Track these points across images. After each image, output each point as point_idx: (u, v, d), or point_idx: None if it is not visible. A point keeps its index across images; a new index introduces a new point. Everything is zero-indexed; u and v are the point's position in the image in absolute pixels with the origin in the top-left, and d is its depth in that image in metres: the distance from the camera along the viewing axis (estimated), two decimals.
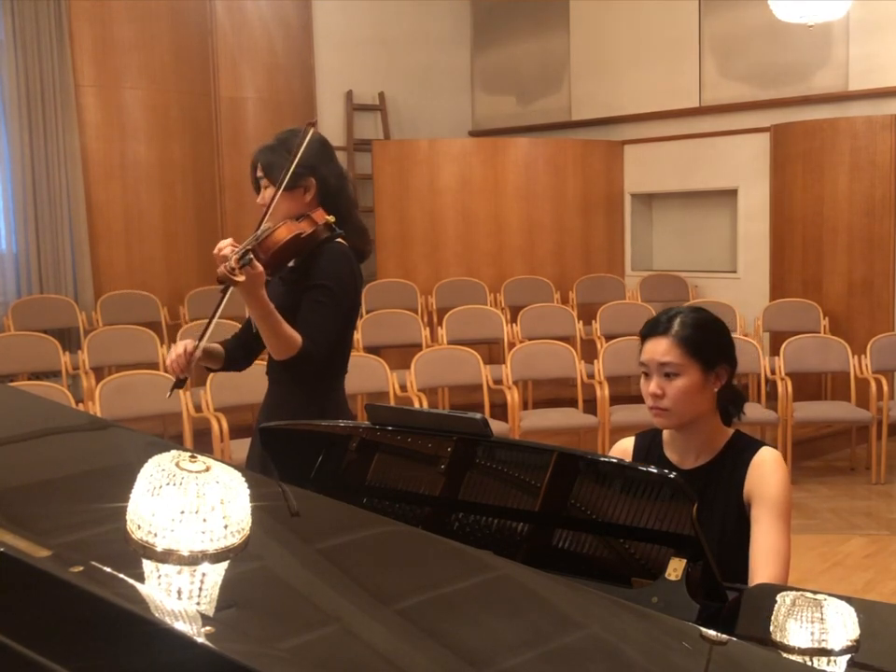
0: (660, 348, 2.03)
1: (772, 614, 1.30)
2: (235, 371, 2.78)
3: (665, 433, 2.14)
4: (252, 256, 2.35)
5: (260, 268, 2.36)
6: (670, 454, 2.12)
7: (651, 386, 2.03)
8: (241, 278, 2.32)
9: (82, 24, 6.88)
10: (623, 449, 2.19)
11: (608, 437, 5.52)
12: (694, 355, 2.02)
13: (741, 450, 2.06)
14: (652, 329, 2.07)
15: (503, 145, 8.12)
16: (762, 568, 1.90)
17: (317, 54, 8.28)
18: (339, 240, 2.56)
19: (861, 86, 7.04)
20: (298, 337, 2.46)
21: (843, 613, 1.29)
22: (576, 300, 7.84)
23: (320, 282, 2.50)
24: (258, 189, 2.61)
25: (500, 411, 5.69)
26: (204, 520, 1.00)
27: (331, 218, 2.52)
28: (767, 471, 2.00)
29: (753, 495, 1.99)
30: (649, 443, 2.16)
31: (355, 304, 2.63)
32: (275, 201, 2.49)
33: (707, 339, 2.05)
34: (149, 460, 1.05)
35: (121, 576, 0.98)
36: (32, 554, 1.02)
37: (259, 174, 2.57)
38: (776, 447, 6.31)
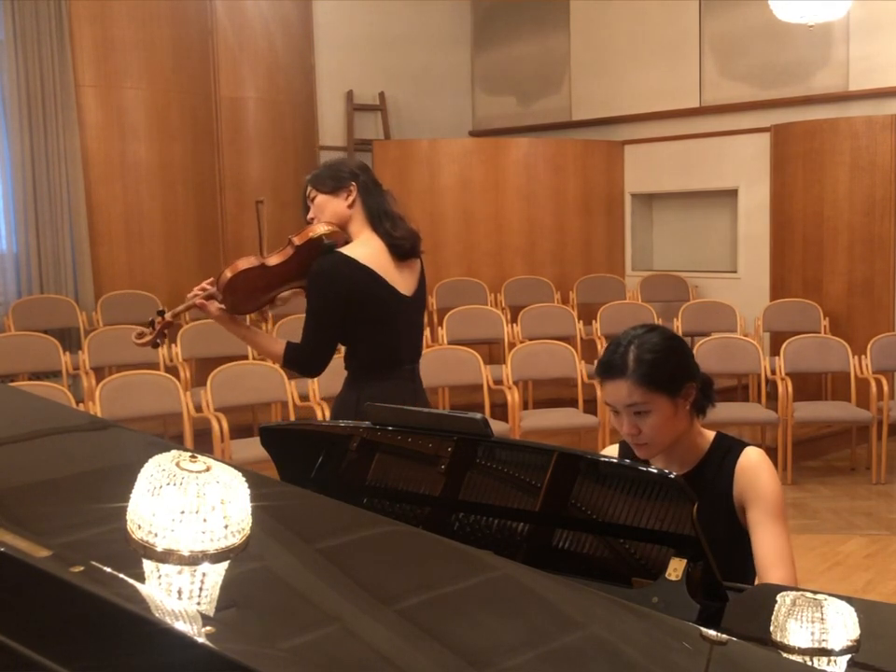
0: (622, 392, 1.96)
1: (772, 614, 1.30)
2: None
3: None
4: (158, 318, 2.82)
5: (215, 307, 2.76)
6: (655, 462, 2.09)
7: (625, 427, 1.99)
8: (140, 341, 2.84)
9: (82, 24, 6.87)
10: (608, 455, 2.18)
11: (608, 437, 5.52)
12: (658, 389, 1.96)
13: (724, 453, 2.04)
14: (607, 370, 1.99)
15: (503, 145, 8.12)
16: (773, 573, 1.90)
17: (318, 54, 8.28)
18: (340, 250, 2.79)
19: (862, 86, 7.04)
20: (278, 349, 2.81)
21: (843, 613, 1.29)
22: (576, 300, 7.83)
23: (307, 296, 2.82)
24: (306, 212, 2.90)
25: (501, 411, 5.69)
26: (205, 520, 1.00)
27: (324, 230, 2.78)
28: (755, 474, 1.98)
29: (745, 499, 1.98)
30: (633, 449, 2.16)
31: (354, 308, 2.78)
32: (323, 206, 2.83)
33: (666, 368, 1.98)
34: (150, 460, 1.05)
35: (122, 576, 0.98)
36: (32, 554, 1.02)
37: (309, 192, 2.87)
38: (775, 447, 6.27)
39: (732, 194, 7.90)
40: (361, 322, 2.79)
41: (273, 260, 2.76)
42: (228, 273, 2.74)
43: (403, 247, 2.84)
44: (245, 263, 2.76)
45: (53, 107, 6.71)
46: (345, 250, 2.78)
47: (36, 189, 6.71)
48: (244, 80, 7.77)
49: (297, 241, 2.77)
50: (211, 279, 2.81)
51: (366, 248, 2.80)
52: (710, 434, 2.09)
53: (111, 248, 7.08)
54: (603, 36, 8.51)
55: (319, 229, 2.79)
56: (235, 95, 7.73)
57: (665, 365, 1.97)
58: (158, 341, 2.85)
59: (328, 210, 2.82)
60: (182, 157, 7.34)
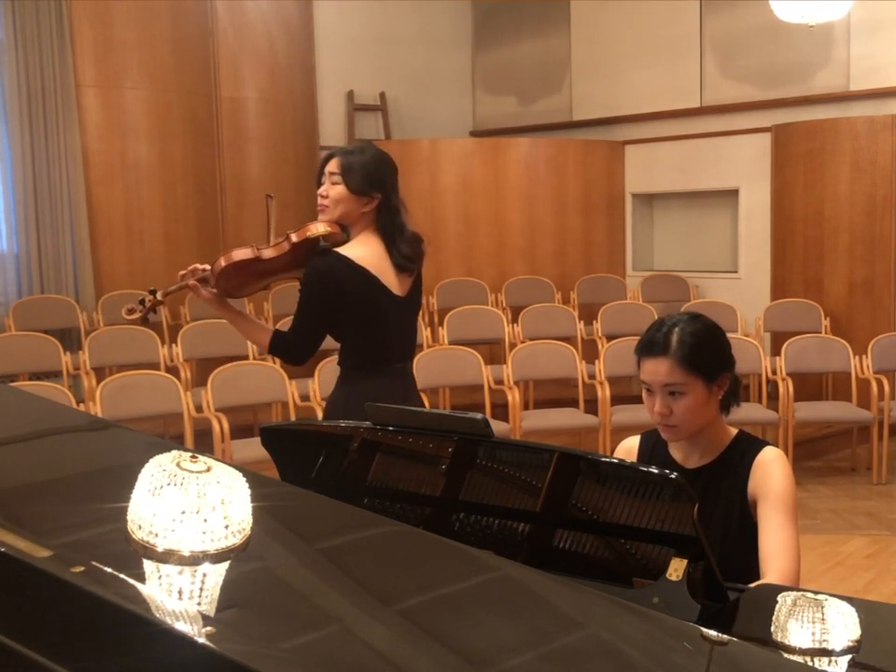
0: (661, 369, 2.01)
1: (773, 614, 1.30)
2: None
3: None
4: (149, 297, 2.91)
5: (206, 291, 2.82)
6: (675, 453, 2.14)
7: (657, 406, 2.03)
8: (130, 317, 2.93)
9: (83, 24, 6.87)
10: (629, 448, 2.20)
11: (608, 437, 5.52)
12: (697, 372, 2.01)
13: (744, 449, 2.08)
14: (649, 347, 2.04)
15: (504, 145, 8.12)
16: (773, 563, 1.91)
17: (318, 54, 8.28)
18: (337, 250, 2.81)
19: (862, 86, 7.03)
20: (265, 337, 2.87)
21: (844, 613, 1.29)
22: (577, 300, 7.83)
23: (300, 290, 2.84)
24: (320, 182, 2.87)
25: (501, 411, 5.69)
26: (205, 520, 1.00)
27: (323, 231, 2.80)
28: (771, 469, 2.02)
29: (758, 493, 2.01)
30: (653, 442, 2.18)
31: (345, 308, 2.81)
32: (342, 200, 2.80)
33: (708, 353, 2.04)
34: (150, 460, 1.05)
35: (122, 576, 0.98)
36: (32, 554, 1.02)
37: (335, 169, 2.82)
38: (777, 447, 6.29)
39: (732, 194, 7.89)
40: (353, 322, 2.83)
41: (268, 254, 2.81)
42: (222, 262, 2.79)
43: (407, 268, 2.88)
44: (241, 254, 2.80)
45: (53, 107, 6.71)
46: (343, 250, 2.80)
47: (37, 188, 6.71)
48: (244, 80, 7.78)
49: (295, 238, 2.80)
50: (197, 263, 2.88)
51: (364, 249, 2.82)
52: (733, 430, 2.14)
53: (111, 248, 7.08)
54: (603, 36, 8.51)
55: (319, 229, 2.81)
56: (235, 95, 7.73)
57: (706, 350, 2.04)
58: (147, 317, 2.96)
59: (342, 207, 2.82)
60: (182, 157, 7.34)
